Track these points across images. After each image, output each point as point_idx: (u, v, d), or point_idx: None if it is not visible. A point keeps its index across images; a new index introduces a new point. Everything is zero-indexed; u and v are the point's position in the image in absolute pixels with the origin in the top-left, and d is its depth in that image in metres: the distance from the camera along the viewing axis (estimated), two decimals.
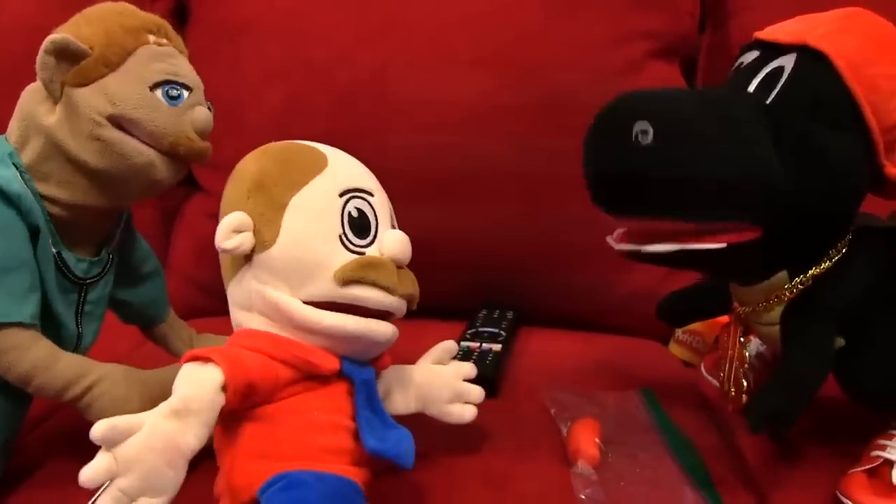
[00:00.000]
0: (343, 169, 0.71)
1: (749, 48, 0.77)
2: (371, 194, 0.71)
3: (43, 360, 0.69)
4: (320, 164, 0.69)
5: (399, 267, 0.68)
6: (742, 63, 0.76)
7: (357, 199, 0.69)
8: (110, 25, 0.73)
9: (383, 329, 0.67)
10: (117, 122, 0.71)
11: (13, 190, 0.68)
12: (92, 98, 0.70)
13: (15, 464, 0.76)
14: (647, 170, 0.67)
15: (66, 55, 0.70)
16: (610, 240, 0.76)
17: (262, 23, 1.19)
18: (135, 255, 0.87)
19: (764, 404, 0.72)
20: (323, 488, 0.60)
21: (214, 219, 1.17)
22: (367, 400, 0.67)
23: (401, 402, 0.76)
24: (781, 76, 0.70)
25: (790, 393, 0.72)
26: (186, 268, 1.23)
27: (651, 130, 0.66)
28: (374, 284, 0.66)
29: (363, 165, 0.74)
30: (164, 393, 0.62)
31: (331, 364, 0.66)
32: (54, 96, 0.71)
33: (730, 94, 0.73)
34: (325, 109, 1.15)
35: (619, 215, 0.73)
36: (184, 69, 0.76)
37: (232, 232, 0.65)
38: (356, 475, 0.65)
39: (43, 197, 0.72)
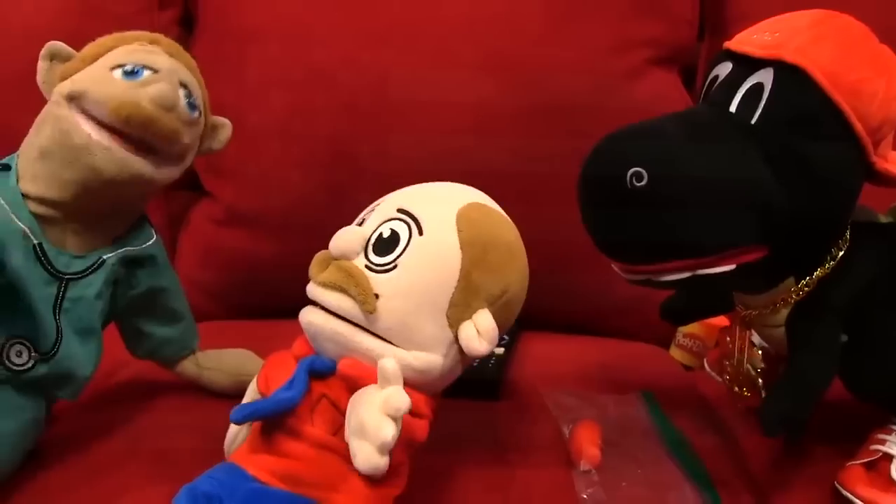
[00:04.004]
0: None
1: (721, 59, 0.76)
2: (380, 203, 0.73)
3: None
4: None
5: (335, 259, 0.69)
6: (717, 77, 0.76)
7: (370, 213, 0.72)
8: (112, 36, 0.77)
9: (307, 315, 0.69)
10: (73, 99, 0.73)
11: None
12: (62, 85, 0.74)
13: (30, 466, 0.77)
14: (648, 213, 0.68)
15: (57, 57, 0.74)
16: (618, 268, 0.76)
17: (267, 30, 1.20)
18: (160, 288, 0.87)
19: (777, 410, 0.73)
20: None
21: (220, 225, 1.20)
22: (290, 382, 0.67)
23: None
24: (762, 94, 0.70)
25: (801, 397, 0.73)
26: (193, 273, 1.23)
27: (645, 173, 0.66)
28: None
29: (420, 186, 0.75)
30: None
31: (297, 351, 0.71)
32: (47, 97, 0.75)
33: (715, 119, 0.73)
34: (329, 114, 1.16)
35: (633, 263, 0.74)
36: (155, 59, 0.77)
37: None
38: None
39: (23, 195, 0.74)
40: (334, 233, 0.71)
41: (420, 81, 1.15)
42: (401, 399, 0.60)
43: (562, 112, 1.13)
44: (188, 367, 0.92)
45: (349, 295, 0.65)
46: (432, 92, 1.15)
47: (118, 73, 0.74)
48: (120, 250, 0.81)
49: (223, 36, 1.23)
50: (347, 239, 0.69)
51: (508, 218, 0.74)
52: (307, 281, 0.70)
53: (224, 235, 1.21)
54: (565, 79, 1.14)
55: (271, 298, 1.19)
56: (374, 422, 0.59)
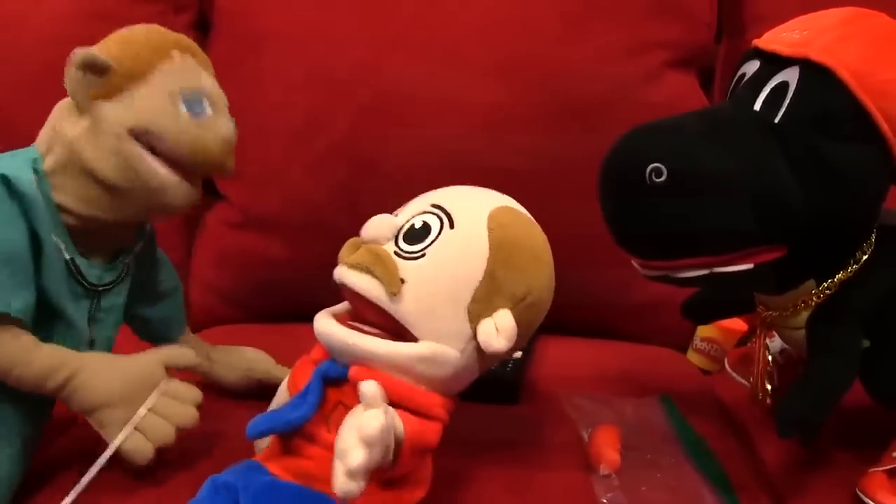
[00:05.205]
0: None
1: (749, 57, 0.76)
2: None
3: (21, 352, 0.70)
4: None
5: (367, 243, 0.69)
6: (745, 74, 0.76)
7: (404, 208, 0.73)
8: (136, 42, 0.75)
9: (316, 322, 0.70)
10: (139, 134, 0.72)
11: (20, 188, 0.70)
12: (116, 110, 0.72)
13: (38, 468, 0.78)
14: (666, 208, 0.68)
15: (93, 69, 0.71)
16: (637, 264, 0.76)
17: (283, 34, 1.20)
18: (155, 271, 0.88)
19: (792, 411, 0.73)
20: None
21: (235, 227, 1.20)
22: (303, 392, 0.68)
23: None
24: (787, 93, 0.70)
25: (818, 399, 0.73)
26: (208, 276, 1.24)
27: (664, 169, 0.67)
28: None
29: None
30: (144, 380, 0.73)
31: (316, 355, 0.71)
32: (80, 108, 0.73)
33: (737, 116, 0.72)
34: (344, 118, 1.15)
35: (650, 260, 0.74)
36: (206, 83, 0.78)
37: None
38: None
39: (57, 206, 0.73)
40: (350, 235, 0.72)
41: (435, 84, 1.15)
42: (372, 426, 0.56)
43: (577, 114, 1.13)
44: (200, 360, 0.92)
45: (375, 276, 0.66)
46: (447, 94, 1.15)
47: (182, 107, 0.74)
48: (136, 247, 0.83)
49: (238, 39, 1.23)
50: (379, 224, 0.70)
51: (539, 226, 0.75)
52: (323, 284, 0.70)
53: (239, 239, 1.22)
54: (581, 81, 1.14)
55: (286, 301, 1.19)
56: (346, 446, 0.57)
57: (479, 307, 0.67)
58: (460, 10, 1.18)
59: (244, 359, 0.93)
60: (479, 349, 0.68)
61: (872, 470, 0.75)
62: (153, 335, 0.91)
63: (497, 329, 0.67)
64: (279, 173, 1.18)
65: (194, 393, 0.77)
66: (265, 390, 0.89)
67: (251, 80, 1.19)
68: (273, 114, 1.18)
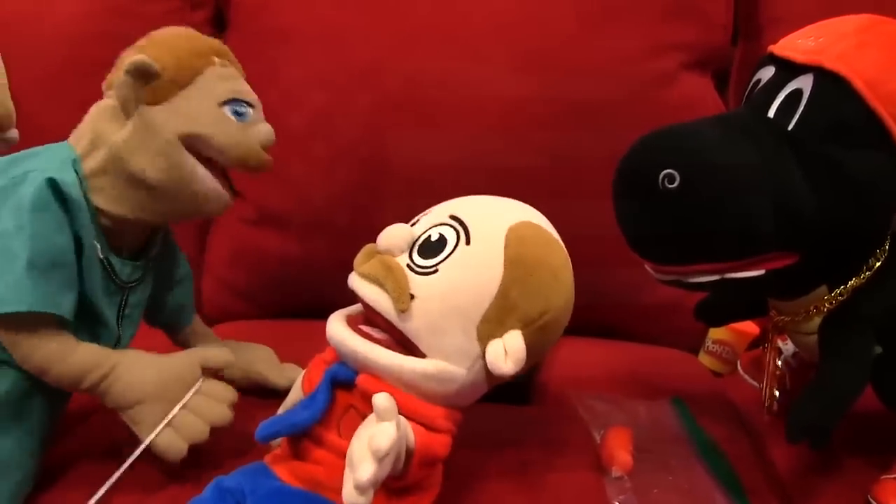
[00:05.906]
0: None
1: (764, 63, 0.76)
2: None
3: (60, 351, 0.71)
4: None
5: (380, 253, 0.70)
6: (760, 80, 0.76)
7: (424, 216, 0.73)
8: (179, 49, 0.76)
9: (328, 326, 0.70)
10: (189, 141, 0.74)
11: (71, 195, 0.71)
12: (166, 116, 0.73)
13: (51, 462, 0.78)
14: (679, 213, 0.68)
15: (144, 75, 0.72)
16: (649, 268, 0.76)
17: (299, 30, 1.21)
18: (170, 261, 0.89)
19: (802, 416, 0.73)
20: None
21: (250, 224, 1.20)
22: (312, 395, 0.68)
23: None
24: (801, 100, 0.70)
25: (828, 405, 0.73)
26: (221, 272, 1.25)
27: (677, 175, 0.67)
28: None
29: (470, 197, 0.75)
30: (179, 378, 0.73)
31: (328, 356, 0.71)
32: (128, 114, 0.73)
33: (751, 123, 0.72)
34: (360, 115, 1.16)
35: (662, 264, 0.74)
36: (246, 88, 0.80)
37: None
38: None
39: (95, 207, 0.74)
40: (364, 233, 0.72)
41: (451, 82, 1.15)
42: (383, 440, 0.56)
43: (593, 114, 1.13)
44: (189, 334, 0.94)
45: (385, 290, 0.66)
46: (463, 92, 1.15)
47: (228, 112, 0.76)
48: (158, 243, 0.84)
49: (255, 36, 1.24)
50: (395, 234, 0.69)
51: (560, 241, 0.73)
52: (336, 281, 0.71)
53: (254, 235, 1.22)
54: (597, 81, 1.14)
55: (299, 298, 1.20)
56: (357, 458, 0.57)
57: (490, 327, 0.67)
58: (476, 8, 1.18)
59: (246, 359, 0.93)
60: (487, 368, 0.67)
61: (885, 477, 0.76)
62: (165, 322, 0.92)
63: (506, 351, 0.66)
64: (294, 171, 1.18)
65: (230, 392, 0.78)
66: (264, 390, 0.90)
67: (267, 76, 1.18)
68: (289, 111, 1.18)
